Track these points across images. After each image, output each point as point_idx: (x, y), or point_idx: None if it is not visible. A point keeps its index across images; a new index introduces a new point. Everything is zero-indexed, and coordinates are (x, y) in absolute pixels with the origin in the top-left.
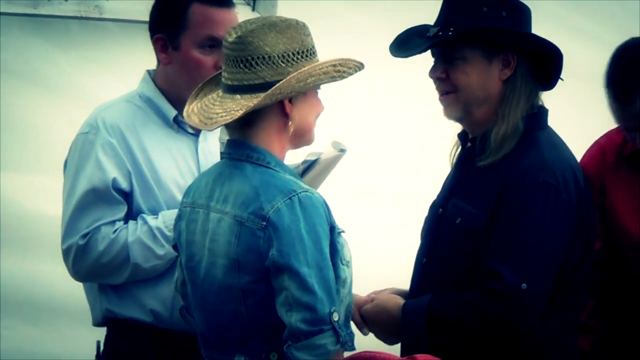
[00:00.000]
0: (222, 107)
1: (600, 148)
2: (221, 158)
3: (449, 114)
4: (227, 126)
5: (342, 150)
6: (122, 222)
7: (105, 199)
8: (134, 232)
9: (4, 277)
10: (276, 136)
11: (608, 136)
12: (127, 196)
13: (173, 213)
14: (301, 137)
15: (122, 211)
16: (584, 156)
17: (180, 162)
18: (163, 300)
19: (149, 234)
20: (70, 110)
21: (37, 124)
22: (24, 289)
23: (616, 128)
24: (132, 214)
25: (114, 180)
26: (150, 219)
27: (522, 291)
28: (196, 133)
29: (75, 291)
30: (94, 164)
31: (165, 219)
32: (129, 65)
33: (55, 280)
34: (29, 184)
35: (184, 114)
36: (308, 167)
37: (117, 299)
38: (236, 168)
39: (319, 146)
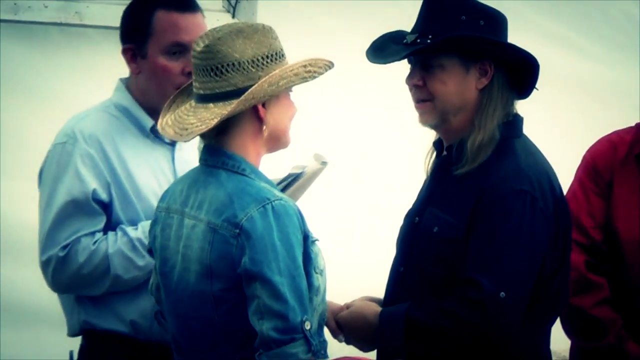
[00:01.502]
0: (196, 117)
1: (612, 143)
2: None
3: (424, 121)
4: (203, 135)
5: (324, 163)
6: (101, 233)
7: (85, 210)
8: (114, 243)
9: (6, 285)
10: (251, 142)
11: (618, 134)
12: (106, 207)
13: None
14: (277, 141)
15: (102, 222)
16: (591, 150)
17: (158, 172)
18: (142, 311)
19: (129, 244)
20: (51, 116)
21: (17, 130)
22: (27, 296)
23: (627, 128)
24: (111, 225)
25: (94, 191)
26: (130, 230)
27: (501, 300)
28: (172, 142)
29: (54, 296)
30: (73, 175)
31: (144, 230)
32: (109, 71)
33: (34, 286)
34: (6, 190)
35: (159, 126)
36: (292, 180)
37: (95, 310)
38: (211, 175)
39: (292, 155)
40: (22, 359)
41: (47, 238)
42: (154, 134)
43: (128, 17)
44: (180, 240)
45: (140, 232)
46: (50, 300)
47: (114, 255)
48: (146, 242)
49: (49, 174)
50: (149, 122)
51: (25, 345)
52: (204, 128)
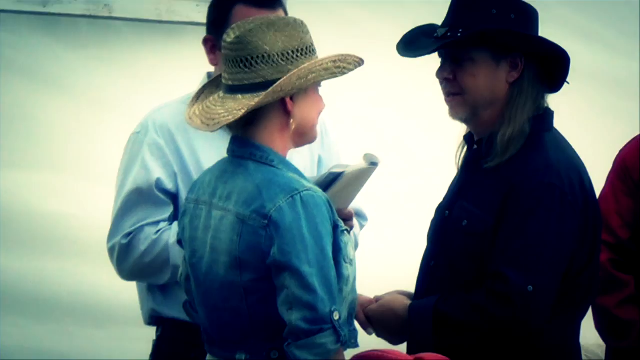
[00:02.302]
0: (223, 108)
1: None
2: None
3: (454, 115)
4: (230, 126)
5: (374, 164)
6: (167, 223)
7: (149, 199)
8: (176, 233)
9: (7, 275)
10: (278, 134)
11: None
12: (174, 197)
13: None
14: (303, 135)
15: (167, 212)
16: (623, 150)
17: None
18: None
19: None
20: (78, 108)
21: (45, 122)
22: (28, 286)
23: None
24: (178, 216)
25: (158, 180)
26: (176, 226)
27: (529, 293)
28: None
29: (81, 288)
30: (140, 164)
31: None
32: (137, 64)
33: (61, 278)
34: (35, 181)
35: (186, 117)
36: (333, 180)
37: (163, 299)
38: (239, 166)
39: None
40: (24, 348)
41: (113, 226)
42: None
43: (210, 9)
44: (209, 232)
45: None
46: (79, 293)
47: (175, 245)
48: None
49: (122, 164)
50: None
51: (9, 332)
52: (231, 118)
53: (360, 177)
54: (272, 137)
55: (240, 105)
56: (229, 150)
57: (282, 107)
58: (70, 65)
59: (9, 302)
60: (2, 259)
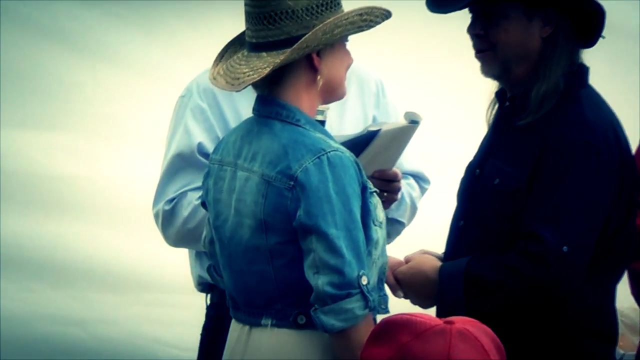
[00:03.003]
0: (248, 66)
1: None
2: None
3: (486, 71)
4: (255, 85)
5: (414, 122)
6: None
7: (192, 164)
8: None
9: (22, 240)
10: (305, 92)
11: None
12: None
13: None
14: (332, 92)
15: None
16: None
17: None
18: None
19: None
20: (95, 67)
21: (62, 81)
22: (44, 252)
23: None
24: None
25: (200, 145)
26: None
27: (563, 254)
28: None
29: (97, 253)
30: (183, 129)
31: None
32: (154, 20)
33: (77, 242)
34: (47, 142)
35: (209, 77)
36: (370, 138)
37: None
38: (265, 125)
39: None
40: (41, 313)
41: (157, 192)
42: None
43: None
44: (233, 194)
45: None
46: (94, 257)
47: None
48: None
49: (169, 128)
50: None
51: (25, 298)
52: (256, 77)
53: (400, 136)
54: (298, 96)
55: (265, 63)
56: (254, 110)
57: (308, 63)
58: (87, 23)
59: (24, 267)
60: (17, 223)
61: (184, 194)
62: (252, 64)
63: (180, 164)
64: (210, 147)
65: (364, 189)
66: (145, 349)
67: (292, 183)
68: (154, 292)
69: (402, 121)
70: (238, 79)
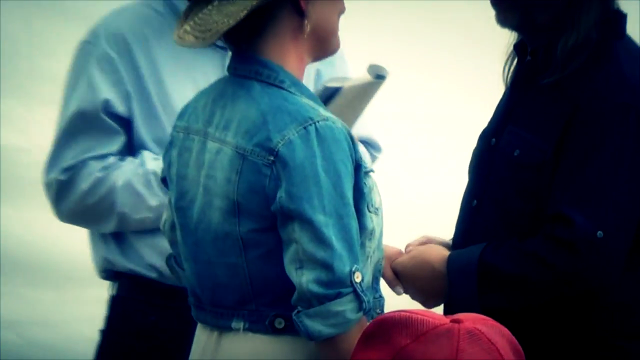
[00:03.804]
0: (221, 14)
1: None
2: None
3: (503, 20)
4: (230, 37)
5: (380, 77)
6: (116, 158)
7: (96, 125)
8: (125, 173)
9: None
10: (292, 43)
11: None
12: (127, 123)
13: None
14: (323, 43)
15: (117, 143)
16: None
17: (201, 83)
18: (163, 253)
19: (143, 178)
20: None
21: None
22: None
23: None
24: (133, 147)
25: (106, 102)
26: (148, 159)
27: (598, 240)
28: (225, 47)
29: (33, 241)
30: (86, 81)
31: None
32: None
33: (8, 227)
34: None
35: (175, 38)
36: (328, 97)
37: (117, 248)
38: (241, 87)
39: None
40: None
41: (52, 157)
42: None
43: None
44: (202, 169)
45: (160, 163)
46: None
47: (123, 188)
48: None
49: (67, 81)
50: None
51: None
52: (232, 22)
53: (363, 94)
54: (283, 50)
55: (241, 7)
56: (230, 68)
57: (293, 7)
58: None
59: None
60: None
61: (84, 162)
62: (225, 10)
63: (80, 124)
64: (118, 104)
65: (357, 167)
66: (87, 355)
67: (272, 158)
68: (99, 288)
69: (366, 76)
70: (210, 30)
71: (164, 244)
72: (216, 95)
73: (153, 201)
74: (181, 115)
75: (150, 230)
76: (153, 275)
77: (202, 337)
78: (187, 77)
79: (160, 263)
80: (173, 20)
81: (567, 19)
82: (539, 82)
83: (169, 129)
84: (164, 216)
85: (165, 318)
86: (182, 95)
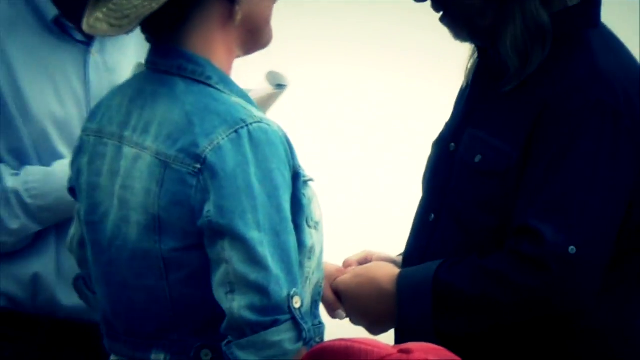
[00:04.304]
0: None
1: None
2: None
3: (455, 35)
4: (149, 25)
5: (280, 87)
6: None
7: None
8: None
9: None
10: (220, 33)
11: None
12: None
13: (41, 171)
14: (255, 33)
15: None
16: None
17: (61, 83)
18: (19, 280)
19: (1, 198)
20: None
21: None
22: None
23: None
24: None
25: None
26: (6, 175)
27: (570, 256)
28: (88, 41)
29: None
30: None
31: (28, 179)
32: None
33: None
34: None
35: (85, 27)
36: None
37: None
38: (163, 85)
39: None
40: None
41: None
42: (60, 28)
43: None
44: (117, 178)
45: (20, 180)
46: None
47: None
48: (26, 197)
49: None
50: (51, 9)
51: None
52: (155, 6)
53: (265, 104)
54: (209, 41)
55: None
56: (149, 62)
57: None
58: None
59: None
60: None
61: None
62: None
63: None
64: None
65: (296, 175)
66: None
67: (198, 166)
68: None
69: (266, 86)
70: (127, 16)
71: (23, 270)
72: (133, 94)
73: (13, 224)
74: (92, 116)
75: (6, 254)
76: (2, 303)
77: None
78: (43, 74)
79: (15, 291)
80: (25, 10)
81: (508, 9)
82: (501, 88)
83: (26, 136)
84: (72, 231)
85: (25, 354)
86: (39, 97)
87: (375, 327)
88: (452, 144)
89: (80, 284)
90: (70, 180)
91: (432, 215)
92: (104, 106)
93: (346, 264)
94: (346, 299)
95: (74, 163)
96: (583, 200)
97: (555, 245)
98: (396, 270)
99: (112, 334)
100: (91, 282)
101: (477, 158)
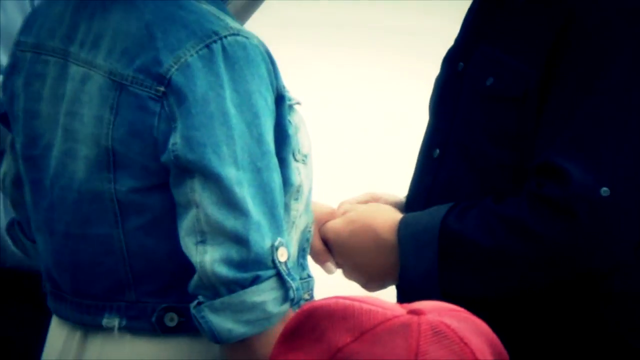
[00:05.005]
0: None
1: None
2: None
3: None
4: None
5: None
6: None
7: None
8: None
9: None
10: None
11: None
12: None
13: None
14: None
15: None
16: None
17: None
18: None
19: None
20: None
21: None
22: None
23: None
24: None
25: None
26: None
27: (602, 200)
28: None
29: None
30: None
31: None
32: None
33: None
34: None
35: None
36: None
37: None
38: None
39: None
40: None
41: None
42: None
43: None
44: (61, 103)
45: None
46: None
47: None
48: None
49: None
50: None
51: None
52: None
53: (241, 16)
54: None
55: None
56: None
57: None
58: None
59: None
60: None
61: None
62: None
63: None
64: None
65: (280, 98)
66: None
67: (161, 89)
68: None
69: None
70: None
71: None
72: (78, 1)
73: None
74: (26, 26)
75: None
76: None
77: (59, 337)
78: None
79: None
80: None
81: None
82: None
83: None
84: (3, 168)
85: None
86: None
87: (372, 283)
88: (461, 63)
89: (16, 231)
90: (1, 105)
91: (437, 151)
92: (41, 15)
93: (341, 207)
94: (336, 249)
95: (6, 85)
96: (617, 132)
97: (584, 187)
98: (398, 216)
99: (56, 292)
100: (29, 229)
101: (489, 80)
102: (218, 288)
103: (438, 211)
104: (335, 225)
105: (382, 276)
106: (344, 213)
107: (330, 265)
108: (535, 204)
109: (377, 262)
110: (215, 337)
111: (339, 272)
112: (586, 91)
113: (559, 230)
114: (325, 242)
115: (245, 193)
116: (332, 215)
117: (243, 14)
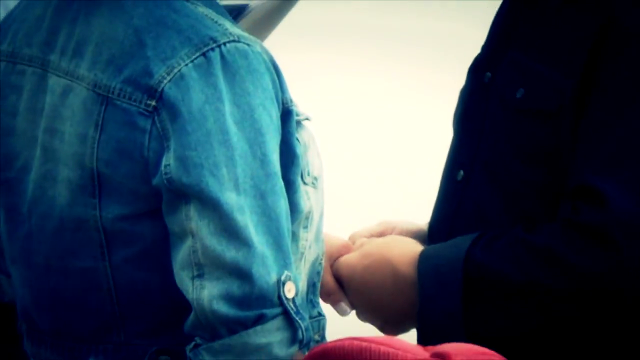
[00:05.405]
0: None
1: None
2: None
3: None
4: None
5: None
6: None
7: None
8: None
9: None
10: None
11: None
12: None
13: None
14: None
15: None
16: None
17: None
18: None
19: None
20: None
21: None
22: None
23: None
24: None
25: None
26: None
27: None
28: None
29: None
30: None
31: None
32: None
33: None
34: None
35: None
36: (234, 17)
37: None
38: None
39: None
40: None
41: None
42: None
43: None
44: (40, 119)
45: None
46: None
47: None
48: None
49: None
50: None
51: None
52: None
53: (275, 14)
54: None
55: None
56: None
57: None
58: None
59: None
60: None
61: None
62: None
63: None
64: None
65: (287, 113)
66: None
67: (152, 103)
68: None
69: None
70: None
71: None
72: (59, 2)
73: None
74: (1, 32)
75: None
76: None
77: None
78: None
79: None
80: None
81: None
82: None
83: None
84: None
85: None
86: None
87: (390, 326)
88: (488, 73)
89: None
90: None
91: (461, 172)
92: (16, 19)
93: (354, 238)
94: (350, 287)
95: None
96: None
97: (623, 212)
98: (418, 248)
99: (34, 333)
100: (4, 261)
101: (519, 92)
102: (217, 328)
103: (462, 242)
104: (350, 260)
105: (400, 317)
106: (359, 247)
107: (344, 305)
108: (569, 231)
109: (394, 300)
110: None
111: (353, 311)
112: (628, 103)
113: (596, 261)
114: (338, 279)
115: (248, 221)
116: (346, 249)
117: (271, 20)
